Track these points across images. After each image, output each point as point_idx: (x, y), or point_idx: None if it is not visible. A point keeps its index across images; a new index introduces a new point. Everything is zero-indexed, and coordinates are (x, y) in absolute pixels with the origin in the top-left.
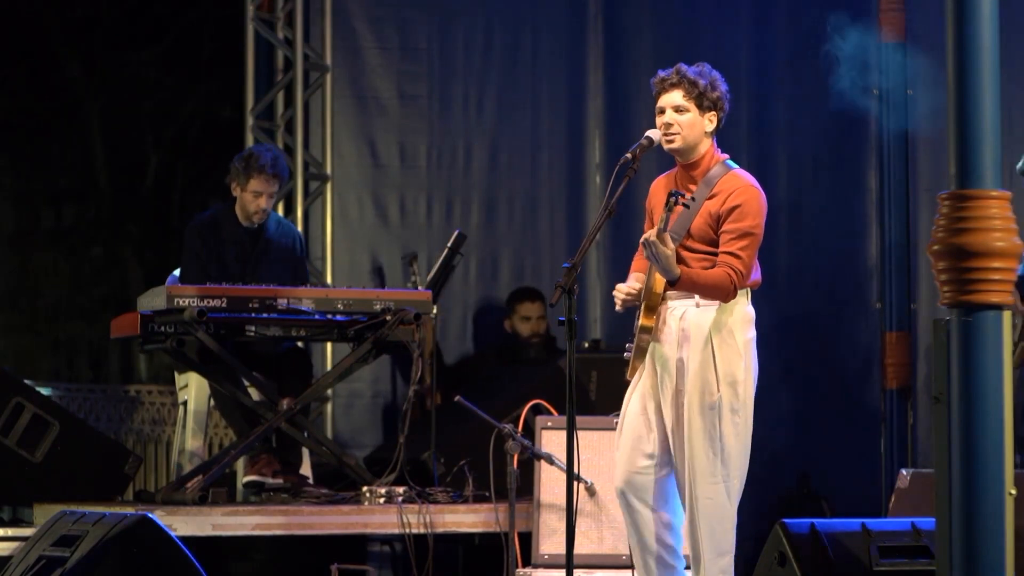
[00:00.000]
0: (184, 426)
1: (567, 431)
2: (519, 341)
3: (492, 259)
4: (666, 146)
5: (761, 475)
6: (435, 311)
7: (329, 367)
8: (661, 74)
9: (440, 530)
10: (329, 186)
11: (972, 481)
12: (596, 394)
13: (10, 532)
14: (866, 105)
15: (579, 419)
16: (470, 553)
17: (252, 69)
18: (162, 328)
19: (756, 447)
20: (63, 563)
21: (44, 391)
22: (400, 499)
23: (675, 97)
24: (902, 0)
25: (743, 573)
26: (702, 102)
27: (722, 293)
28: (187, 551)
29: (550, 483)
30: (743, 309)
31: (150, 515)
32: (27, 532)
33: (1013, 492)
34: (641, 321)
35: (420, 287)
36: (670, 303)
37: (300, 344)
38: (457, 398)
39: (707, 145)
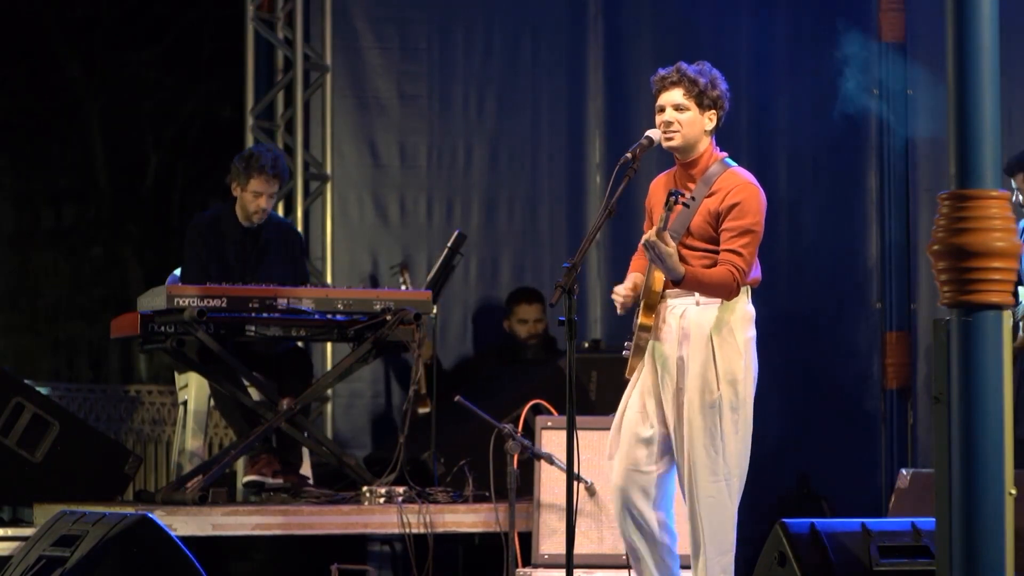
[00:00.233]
0: (184, 426)
1: (567, 431)
2: (517, 342)
3: (492, 259)
4: (666, 144)
5: (761, 475)
6: (435, 311)
7: (329, 367)
8: (661, 72)
9: (440, 530)
10: (329, 186)
11: (972, 481)
12: (596, 394)
13: (10, 532)
14: (866, 105)
15: (579, 419)
16: (470, 553)
17: (252, 69)
18: (162, 328)
19: (756, 446)
20: (63, 563)
21: (44, 391)
22: (400, 499)
23: (675, 95)
24: (902, 0)
25: (743, 573)
26: (702, 100)
27: (725, 291)
28: (187, 551)
29: (550, 483)
30: (743, 307)
31: (150, 515)
32: (27, 532)
33: (1013, 492)
34: (640, 320)
35: None
36: (669, 301)
37: (300, 344)
38: (457, 398)
39: (706, 144)
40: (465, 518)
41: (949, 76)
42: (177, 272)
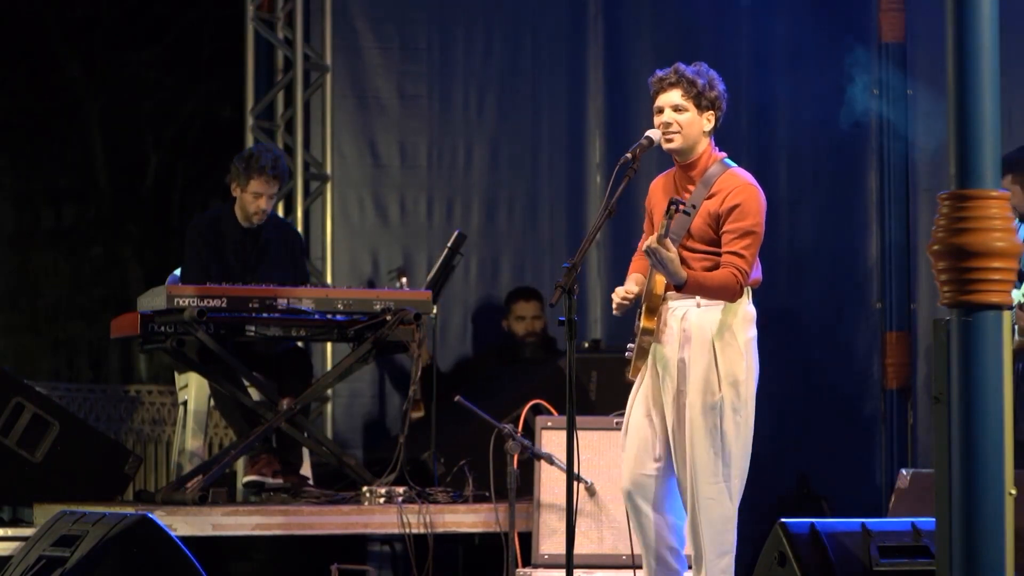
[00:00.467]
0: (184, 426)
1: (567, 431)
2: (515, 340)
3: (492, 259)
4: (665, 146)
5: (761, 475)
6: (435, 311)
7: (329, 367)
8: (659, 73)
9: (440, 530)
10: (329, 186)
11: (972, 481)
12: (596, 394)
13: (10, 532)
14: (867, 112)
15: (579, 419)
16: (470, 553)
17: (252, 69)
18: (162, 328)
19: (756, 447)
20: (63, 563)
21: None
22: (400, 499)
23: (673, 96)
24: (902, 0)
25: (743, 573)
26: (700, 101)
27: (728, 293)
28: (187, 551)
29: (550, 483)
30: (744, 309)
31: (150, 515)
32: (27, 532)
33: (1013, 492)
34: (642, 323)
35: None
36: (671, 304)
37: (300, 344)
38: (457, 398)
39: (705, 144)
40: (465, 518)
41: (949, 76)
42: (177, 272)
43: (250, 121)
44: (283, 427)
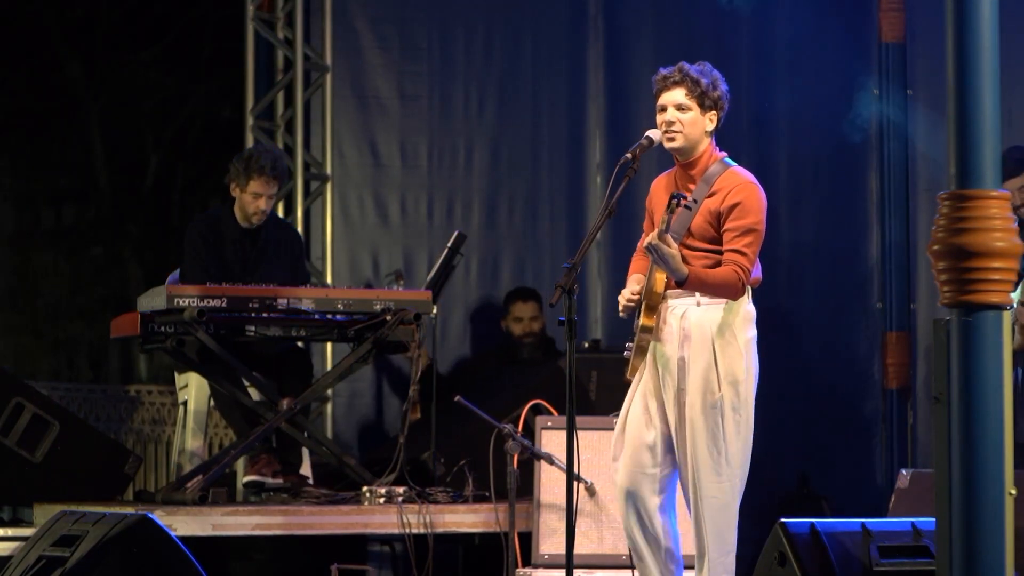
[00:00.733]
0: (184, 426)
1: (567, 431)
2: (513, 341)
3: (492, 259)
4: (667, 144)
5: (761, 475)
6: (435, 311)
7: (329, 367)
8: (663, 72)
9: (440, 530)
10: (329, 186)
11: (972, 481)
12: (596, 394)
13: (10, 532)
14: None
15: (579, 419)
16: (470, 553)
17: (252, 69)
18: (162, 328)
19: (756, 446)
20: (63, 563)
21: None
22: (400, 499)
23: (677, 95)
24: (902, 0)
25: (743, 573)
26: (704, 101)
27: (731, 291)
28: (187, 551)
29: (550, 483)
30: (744, 308)
31: (150, 515)
32: (27, 532)
33: (1013, 492)
34: (642, 321)
35: None
36: (671, 302)
37: (300, 344)
38: (457, 398)
39: (706, 144)
40: (465, 518)
41: (949, 76)
42: (177, 272)
43: (250, 121)
44: (283, 427)
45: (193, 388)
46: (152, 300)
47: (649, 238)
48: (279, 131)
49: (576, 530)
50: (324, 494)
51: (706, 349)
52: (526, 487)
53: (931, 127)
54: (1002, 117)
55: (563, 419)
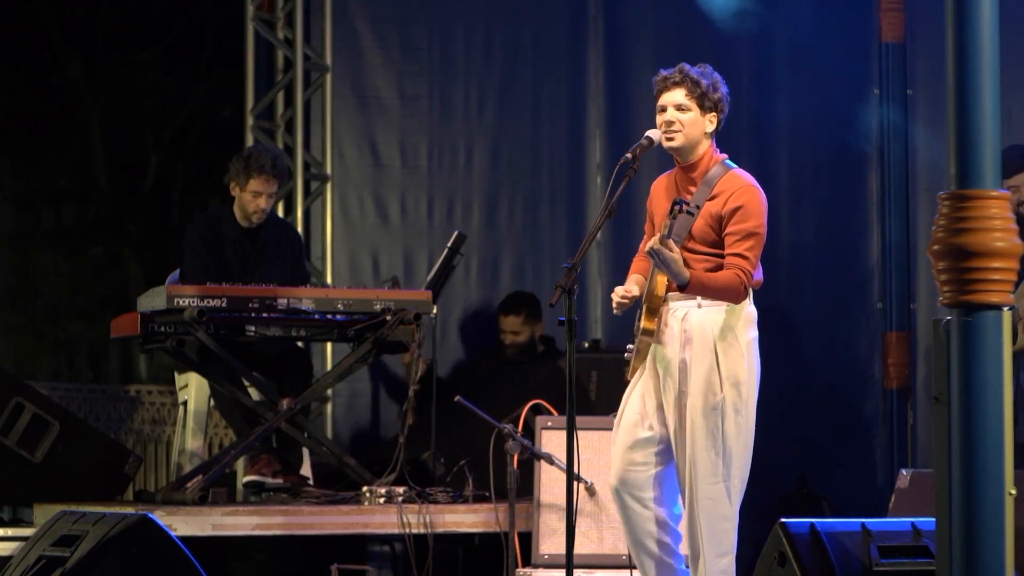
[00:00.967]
0: (184, 426)
1: (567, 431)
2: (503, 347)
3: (492, 259)
4: (666, 144)
5: (761, 475)
6: (435, 311)
7: (329, 367)
8: (663, 73)
9: (440, 530)
10: (329, 186)
11: (972, 481)
12: (596, 394)
13: (10, 532)
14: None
15: (579, 419)
16: (470, 553)
17: (252, 69)
18: (162, 328)
19: (756, 446)
20: (63, 563)
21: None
22: (400, 499)
23: (677, 96)
24: (902, 0)
25: (743, 573)
26: (704, 102)
27: (733, 294)
28: (187, 551)
29: (550, 483)
30: (745, 309)
31: (150, 515)
32: (27, 532)
33: (1013, 492)
34: (643, 323)
35: None
36: (672, 304)
37: (300, 344)
38: (457, 398)
39: (707, 146)
40: (465, 518)
41: (949, 76)
42: (177, 272)
43: (250, 121)
44: (283, 427)
45: (193, 388)
46: (152, 300)
47: (651, 242)
48: (279, 131)
49: (576, 530)
50: (324, 494)
51: (708, 351)
52: (526, 487)
53: (931, 127)
54: (1002, 117)
55: (563, 419)
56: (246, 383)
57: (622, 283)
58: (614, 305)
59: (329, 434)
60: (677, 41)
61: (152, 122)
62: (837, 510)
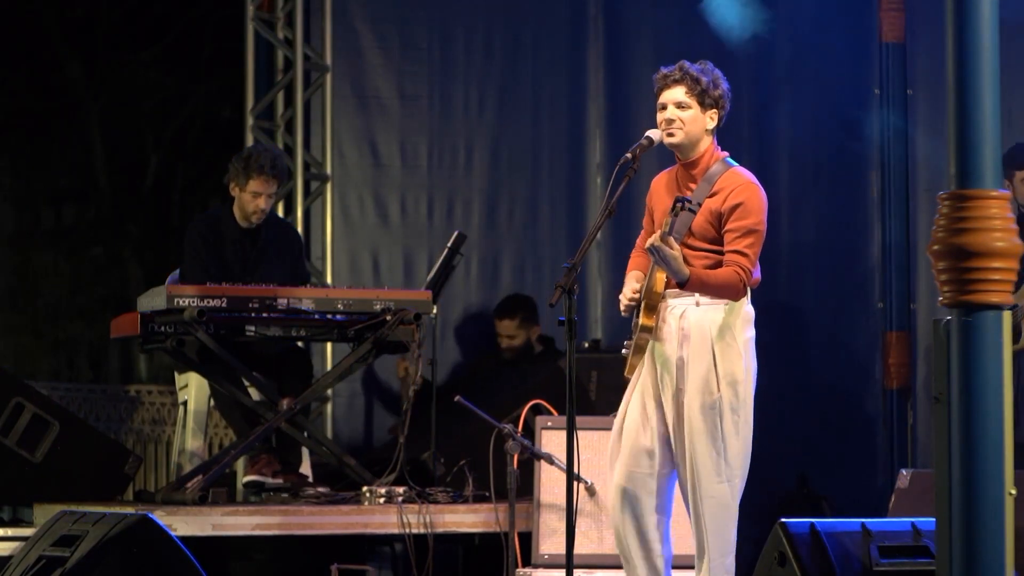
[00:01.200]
0: (184, 426)
1: (567, 431)
2: (500, 350)
3: (492, 259)
4: (667, 141)
5: (761, 475)
6: (435, 311)
7: (329, 367)
8: (664, 70)
9: (440, 530)
10: (329, 186)
11: (972, 481)
12: (596, 394)
13: (10, 532)
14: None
15: (579, 419)
16: (470, 553)
17: (252, 69)
18: (162, 328)
19: (756, 446)
20: (63, 563)
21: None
22: (400, 499)
23: (677, 93)
24: (902, 0)
25: (743, 573)
26: (704, 99)
27: (732, 291)
28: (187, 551)
29: (550, 483)
30: (743, 308)
31: (150, 515)
32: (27, 532)
33: (1013, 492)
34: (641, 320)
35: None
36: (670, 302)
37: (300, 344)
38: (457, 398)
39: (707, 143)
40: (465, 518)
41: (949, 76)
42: (177, 272)
43: (250, 121)
44: (283, 427)
45: (193, 388)
46: (152, 300)
47: (651, 239)
48: (279, 131)
49: (576, 530)
50: (324, 494)
51: (706, 350)
52: (526, 487)
53: (931, 127)
54: (1002, 117)
55: (563, 419)
56: (246, 383)
57: (622, 283)
58: (622, 308)
59: (329, 434)
60: (677, 41)
61: (152, 122)
62: (837, 510)
